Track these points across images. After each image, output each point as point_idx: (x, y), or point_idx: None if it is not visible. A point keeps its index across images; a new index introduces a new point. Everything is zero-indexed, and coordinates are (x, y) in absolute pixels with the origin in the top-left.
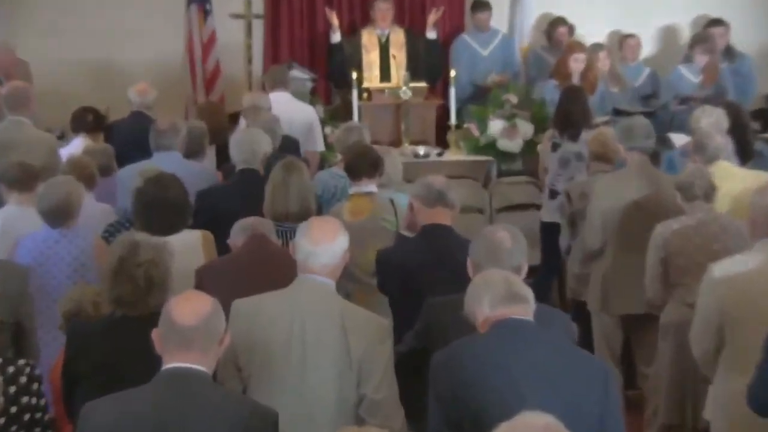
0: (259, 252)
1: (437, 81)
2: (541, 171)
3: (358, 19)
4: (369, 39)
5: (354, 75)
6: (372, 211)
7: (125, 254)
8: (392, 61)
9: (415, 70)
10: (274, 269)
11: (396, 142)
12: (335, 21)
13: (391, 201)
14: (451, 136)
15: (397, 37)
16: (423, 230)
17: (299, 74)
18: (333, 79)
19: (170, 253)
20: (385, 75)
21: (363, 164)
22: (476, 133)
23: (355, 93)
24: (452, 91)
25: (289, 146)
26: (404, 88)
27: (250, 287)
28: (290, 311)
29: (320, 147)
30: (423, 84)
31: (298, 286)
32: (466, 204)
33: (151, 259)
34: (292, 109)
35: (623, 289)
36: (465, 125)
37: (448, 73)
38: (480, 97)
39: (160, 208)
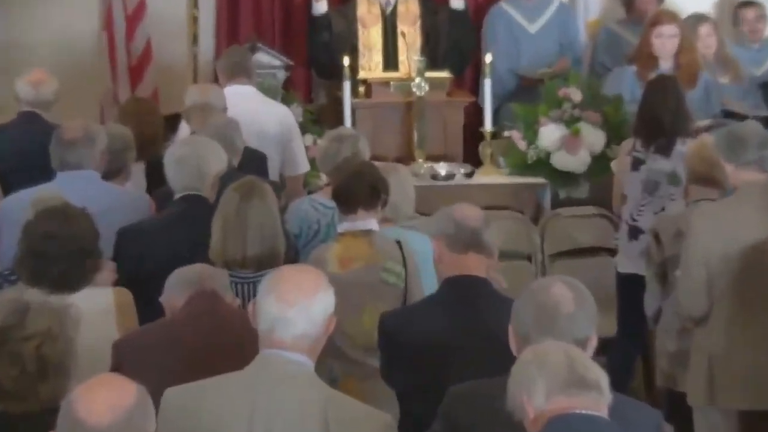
0: (205, 317)
1: (465, 69)
2: (616, 199)
3: None
4: (368, 10)
5: (346, 61)
6: (370, 258)
7: (7, 323)
8: (401, 42)
9: (433, 55)
10: (227, 342)
11: (406, 158)
12: None
13: (399, 243)
14: (485, 149)
15: (409, 7)
16: (447, 285)
17: (267, 60)
18: (316, 67)
19: (74, 321)
20: (390, 61)
21: (358, 190)
22: (522, 144)
23: (347, 87)
24: (487, 85)
25: (252, 164)
26: (418, 79)
27: (190, 369)
28: (248, 405)
29: (304, 167)
30: (445, 74)
31: (260, 369)
32: (508, 247)
33: (46, 331)
34: (257, 110)
35: (741, 374)
36: (505, 133)
37: (480, 58)
38: (527, 93)
39: (56, 254)
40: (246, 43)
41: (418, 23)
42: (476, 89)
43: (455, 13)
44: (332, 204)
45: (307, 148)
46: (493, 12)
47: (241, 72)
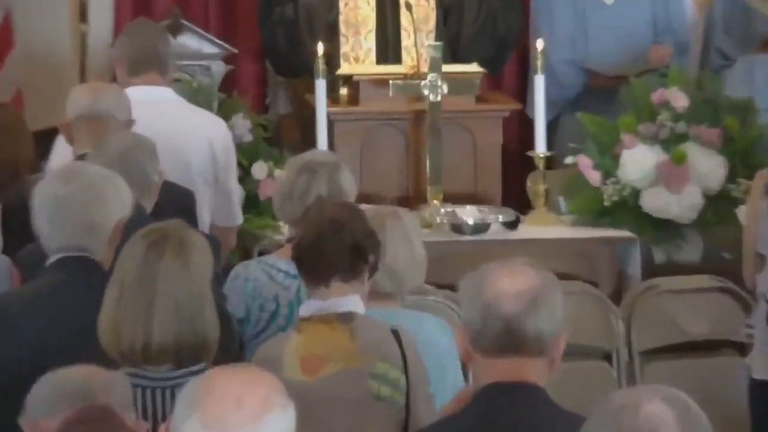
0: None
1: (506, 62)
2: (748, 264)
3: None
4: None
5: (320, 49)
6: (351, 359)
7: None
8: (404, 19)
9: (456, 39)
10: None
11: (413, 198)
12: None
13: (396, 333)
14: (536, 185)
15: None
16: (480, 397)
17: (196, 45)
18: (273, 58)
19: None
20: (389, 49)
21: (333, 250)
22: (594, 177)
23: (321, 88)
24: (539, 85)
25: (173, 207)
26: (432, 77)
27: None
28: None
29: (238, 217)
30: (474, 68)
31: None
32: (576, 340)
33: None
34: (175, 125)
35: None
36: (568, 160)
37: (528, 44)
38: (601, 98)
39: None
40: (163, 20)
41: None
42: (522, 92)
43: None
44: (294, 271)
45: (257, 183)
46: None
47: (151, 64)
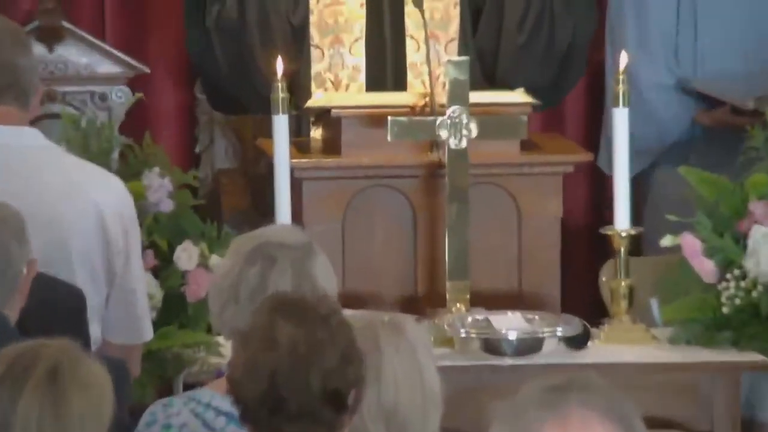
0: None
1: (568, 89)
2: None
3: None
4: None
5: (279, 67)
6: None
7: None
8: (410, 22)
9: (491, 55)
10: None
11: (423, 299)
12: None
13: None
14: (614, 279)
15: None
16: None
17: (84, 61)
18: (206, 81)
19: None
20: (387, 67)
21: (295, 401)
22: (707, 268)
23: (280, 128)
24: (619, 121)
25: (52, 310)
26: (453, 111)
27: None
28: None
29: (146, 331)
30: (519, 97)
31: None
32: None
33: None
34: (47, 186)
35: None
36: (664, 241)
37: (602, 60)
38: (716, 143)
39: None
40: (30, 19)
41: None
42: (592, 134)
43: None
44: (229, 409)
45: (182, 276)
46: None
47: (4, 92)
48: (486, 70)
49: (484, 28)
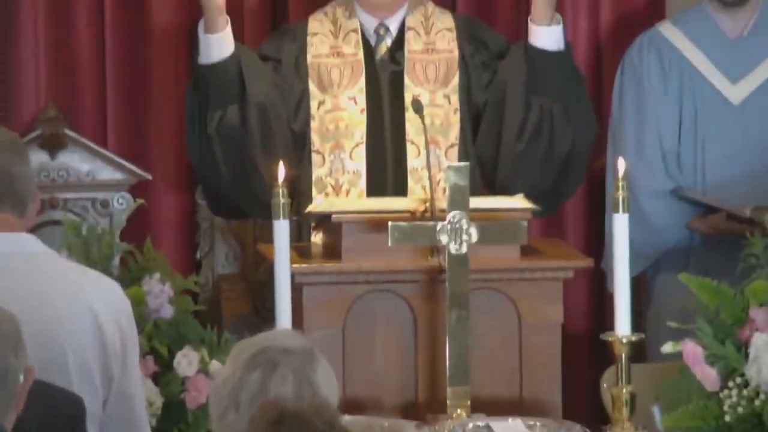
0: None
1: (568, 196)
2: None
3: None
4: (335, 47)
5: (281, 172)
6: None
7: None
8: (410, 126)
9: (491, 160)
10: None
11: (421, 405)
12: None
13: None
14: (615, 386)
15: (431, 39)
16: None
17: (84, 168)
18: (207, 187)
19: None
20: (387, 173)
21: None
22: (708, 376)
23: (281, 233)
24: (619, 228)
25: (50, 420)
26: (454, 216)
27: None
28: None
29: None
30: (519, 202)
31: None
32: None
33: None
34: (44, 291)
35: None
36: (665, 348)
37: (603, 162)
38: (717, 248)
39: None
40: (32, 129)
41: (456, 80)
42: (594, 239)
43: (543, 57)
44: None
45: (182, 383)
46: (642, 51)
47: (1, 198)
48: (486, 176)
49: (484, 135)
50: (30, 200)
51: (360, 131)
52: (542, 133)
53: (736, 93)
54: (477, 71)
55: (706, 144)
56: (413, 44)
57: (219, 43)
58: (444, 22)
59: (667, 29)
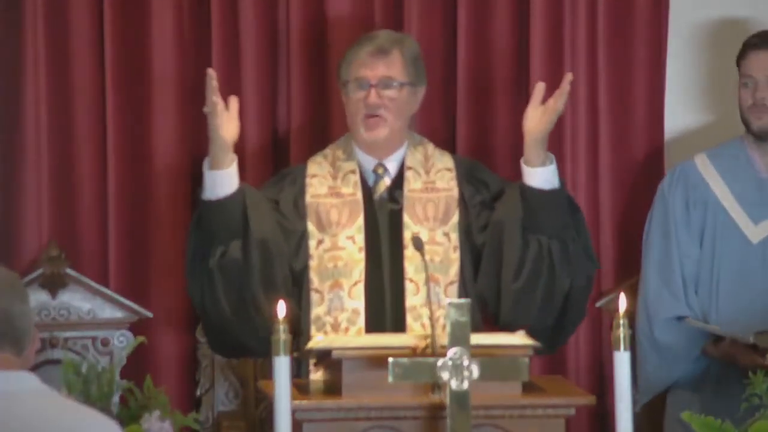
0: None
1: (568, 334)
2: None
3: (297, 117)
4: (334, 187)
5: (281, 310)
6: None
7: None
8: (409, 263)
9: (492, 297)
10: None
11: None
12: (234, 108)
13: None
14: None
15: (431, 178)
16: None
17: (85, 306)
18: (208, 324)
19: None
20: (386, 310)
21: None
22: None
23: (281, 370)
24: (620, 365)
25: None
26: (454, 353)
27: None
28: None
29: None
30: (520, 339)
31: None
32: None
33: None
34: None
35: None
36: None
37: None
38: (725, 380)
39: None
40: (34, 268)
41: (456, 218)
42: (594, 378)
43: (538, 196)
44: None
45: None
46: (672, 183)
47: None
48: (489, 314)
49: (484, 274)
50: (28, 339)
51: (359, 270)
52: (541, 270)
53: (756, 232)
54: (476, 210)
55: (721, 278)
56: (413, 183)
57: (225, 179)
58: (444, 162)
59: (701, 161)
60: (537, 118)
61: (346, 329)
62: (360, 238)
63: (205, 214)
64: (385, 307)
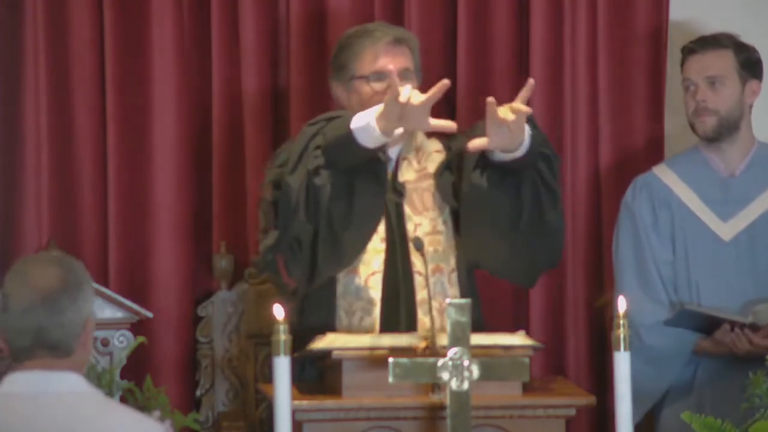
0: None
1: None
2: None
3: None
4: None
5: (280, 312)
6: None
7: None
8: (413, 258)
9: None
10: None
11: None
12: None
13: None
14: None
15: (424, 167)
16: None
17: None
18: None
19: None
20: (394, 307)
21: None
22: None
23: (282, 370)
24: (620, 365)
25: None
26: (455, 353)
27: None
28: None
29: None
30: (520, 339)
31: None
32: None
33: None
34: None
35: None
36: None
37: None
38: (727, 373)
39: None
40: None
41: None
42: (594, 378)
43: (515, 161)
44: None
45: None
46: (635, 192)
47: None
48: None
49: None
50: (74, 342)
51: (379, 260)
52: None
53: (726, 230)
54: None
55: (700, 279)
56: (407, 173)
57: (379, 141)
58: (433, 145)
59: (660, 170)
60: (504, 133)
61: (361, 318)
62: (382, 229)
63: (345, 141)
64: (399, 299)
